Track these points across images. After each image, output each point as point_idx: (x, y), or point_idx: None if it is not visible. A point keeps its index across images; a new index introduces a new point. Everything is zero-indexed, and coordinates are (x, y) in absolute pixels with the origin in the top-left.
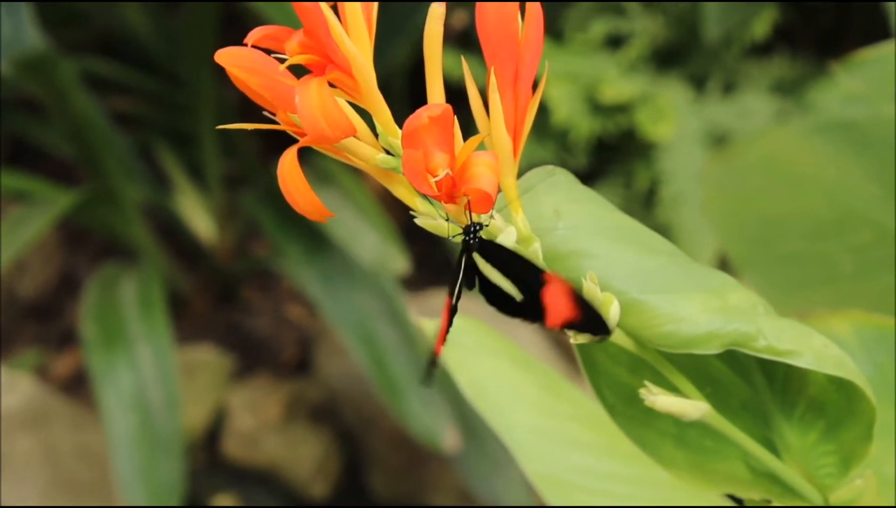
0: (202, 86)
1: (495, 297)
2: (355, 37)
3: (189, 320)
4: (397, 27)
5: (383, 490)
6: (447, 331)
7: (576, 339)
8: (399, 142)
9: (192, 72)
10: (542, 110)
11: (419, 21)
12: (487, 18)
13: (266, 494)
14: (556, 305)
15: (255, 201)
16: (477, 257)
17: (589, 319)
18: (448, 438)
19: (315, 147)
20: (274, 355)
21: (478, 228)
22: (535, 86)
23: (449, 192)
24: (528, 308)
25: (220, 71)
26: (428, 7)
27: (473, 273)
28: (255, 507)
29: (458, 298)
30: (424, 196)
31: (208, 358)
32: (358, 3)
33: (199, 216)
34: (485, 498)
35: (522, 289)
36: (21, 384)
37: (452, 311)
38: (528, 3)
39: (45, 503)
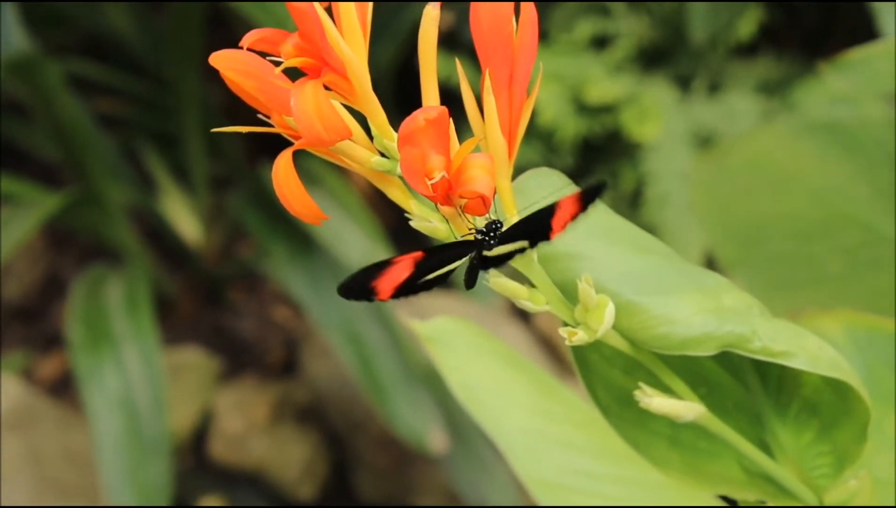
0: (187, 87)
1: (498, 261)
2: (350, 39)
3: (175, 321)
4: (382, 28)
5: (370, 492)
6: (404, 291)
7: (570, 341)
8: (394, 144)
9: (178, 73)
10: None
11: (405, 21)
12: (482, 20)
13: (253, 495)
14: (564, 216)
15: (240, 202)
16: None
17: (588, 197)
18: (435, 439)
19: (310, 150)
20: (260, 356)
21: (498, 225)
22: (528, 88)
23: (445, 194)
24: (532, 242)
25: (206, 72)
26: (412, 7)
27: (477, 273)
28: None
29: (438, 282)
30: (419, 198)
31: (195, 360)
32: (352, 5)
33: (184, 218)
34: (472, 499)
35: (531, 232)
36: (7, 387)
37: (423, 285)
38: (522, 5)
39: (31, 505)
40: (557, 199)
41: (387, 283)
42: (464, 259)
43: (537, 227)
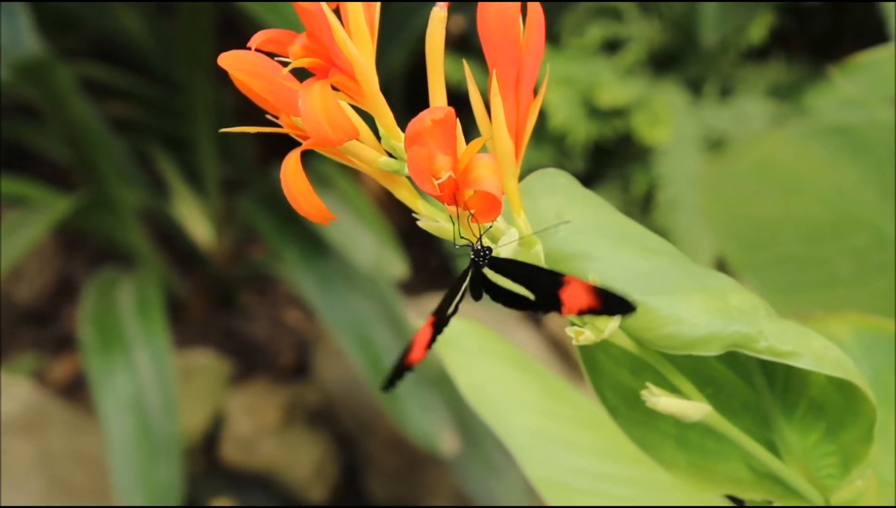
0: (199, 90)
1: (502, 297)
2: (358, 39)
3: (187, 324)
4: (394, 32)
5: (381, 494)
6: (429, 346)
7: (578, 340)
8: (402, 145)
9: (189, 76)
10: (540, 115)
11: (415, 25)
12: (489, 21)
13: (264, 497)
14: (575, 299)
15: (252, 205)
16: (487, 272)
17: (612, 305)
18: (446, 441)
19: (318, 150)
20: (272, 359)
21: (487, 252)
22: (535, 89)
23: (451, 194)
24: (541, 304)
25: (217, 75)
26: (424, 11)
27: (480, 286)
28: None
29: (455, 310)
30: (427, 198)
31: (206, 362)
32: (360, 5)
33: (196, 221)
34: (482, 501)
35: (535, 289)
36: (19, 389)
37: (444, 323)
38: (529, 6)
39: (42, 506)
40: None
41: (417, 351)
42: (469, 277)
43: (544, 285)
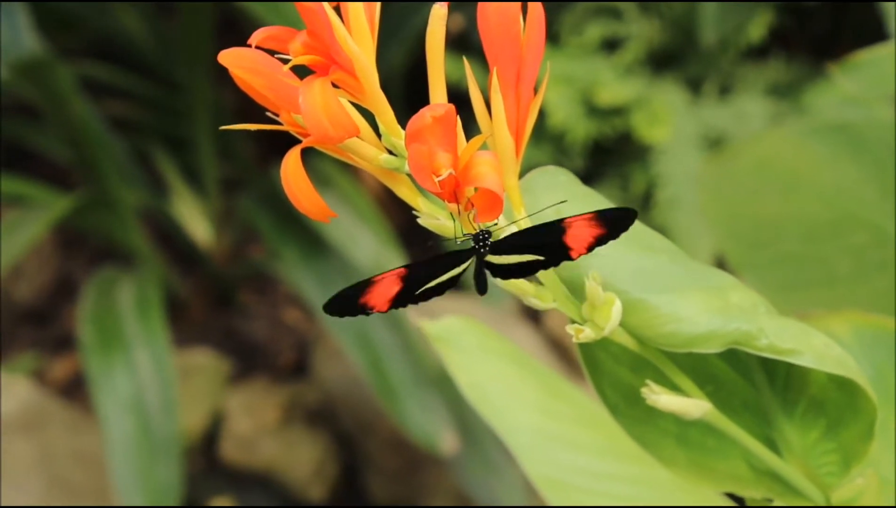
0: (198, 90)
1: (510, 272)
2: (358, 37)
3: (186, 323)
4: (393, 30)
5: (381, 493)
6: (398, 302)
7: (578, 338)
8: (402, 142)
9: (189, 76)
10: (539, 113)
11: (415, 24)
12: (489, 20)
13: (264, 497)
14: (581, 235)
15: (251, 204)
16: (490, 257)
17: (615, 220)
18: (446, 441)
19: (318, 147)
20: (271, 358)
21: (487, 236)
22: (536, 87)
23: (452, 191)
24: (551, 259)
25: (217, 75)
26: (423, 10)
27: (484, 278)
28: None
29: (437, 292)
30: (427, 196)
31: (206, 362)
32: (360, 4)
33: (195, 220)
34: (482, 501)
35: (543, 250)
36: (18, 388)
37: (417, 296)
38: (529, 4)
39: (42, 506)
40: (564, 214)
41: (377, 297)
42: (465, 264)
43: (548, 241)
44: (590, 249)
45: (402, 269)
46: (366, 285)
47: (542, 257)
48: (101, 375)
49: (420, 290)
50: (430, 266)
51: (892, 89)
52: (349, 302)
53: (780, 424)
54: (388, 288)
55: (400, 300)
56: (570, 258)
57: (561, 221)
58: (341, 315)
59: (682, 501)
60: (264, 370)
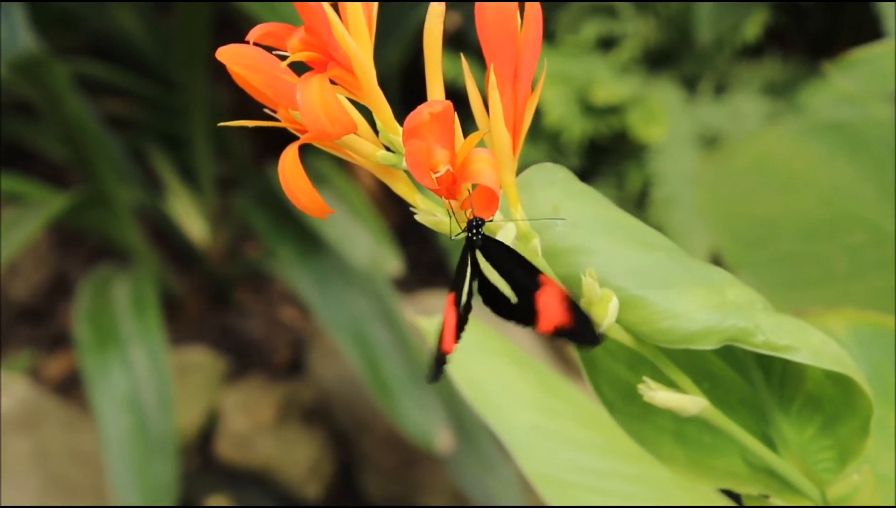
0: (195, 89)
1: (491, 297)
2: (356, 34)
3: (182, 322)
4: (391, 29)
5: (377, 491)
6: (459, 329)
7: None
8: (399, 139)
9: (185, 75)
10: (535, 112)
11: (413, 23)
12: (487, 17)
13: (260, 495)
14: (549, 309)
15: (247, 203)
16: (479, 254)
17: (580, 327)
18: (441, 439)
19: (316, 144)
20: (267, 356)
21: (480, 223)
22: (533, 84)
23: (449, 187)
24: (522, 311)
25: (213, 74)
26: (421, 8)
27: (478, 272)
28: None
29: (470, 295)
30: (424, 192)
31: (202, 360)
32: (358, 2)
33: (191, 219)
34: (478, 499)
35: (518, 291)
36: (14, 386)
37: (465, 309)
38: (527, 3)
39: (38, 504)
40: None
41: (449, 339)
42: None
43: (522, 285)
44: (553, 334)
45: (451, 294)
46: (441, 333)
47: (515, 299)
48: (98, 373)
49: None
50: (461, 278)
51: (887, 87)
52: (440, 361)
53: (776, 420)
54: (451, 322)
55: (461, 327)
56: (535, 328)
57: (538, 274)
58: (440, 376)
59: (680, 498)
60: (260, 369)
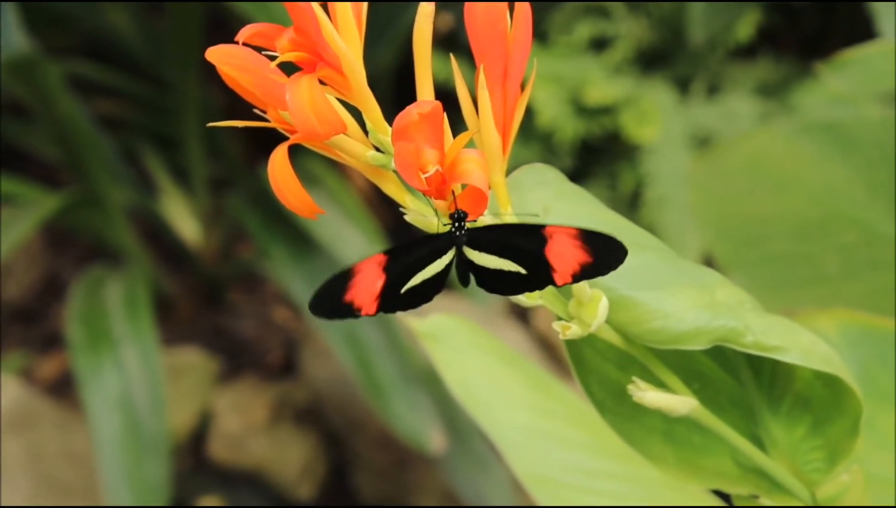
0: (187, 89)
1: (495, 283)
2: (345, 35)
3: (175, 322)
4: (381, 31)
5: (369, 492)
6: (386, 301)
7: (564, 335)
8: (389, 139)
9: (178, 75)
10: (527, 112)
11: (403, 24)
12: (476, 17)
13: (252, 496)
14: (565, 255)
15: (240, 203)
16: (468, 250)
17: (603, 250)
18: (434, 439)
19: (305, 144)
20: (260, 357)
21: (463, 215)
22: (522, 85)
23: (439, 188)
24: (534, 277)
25: (206, 74)
26: (411, 10)
27: (467, 270)
28: None
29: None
30: (414, 193)
31: (194, 360)
32: (348, 3)
33: (184, 219)
34: (470, 499)
35: (524, 258)
36: (6, 387)
37: (396, 296)
38: (516, 3)
39: (31, 504)
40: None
41: (363, 294)
42: (449, 257)
43: (528, 248)
44: (575, 278)
45: (382, 255)
46: (347, 277)
47: (524, 271)
48: (90, 374)
49: (406, 288)
50: (408, 251)
51: (879, 88)
52: (334, 300)
53: (766, 421)
54: (371, 281)
55: (387, 300)
56: (554, 283)
57: (542, 227)
58: (329, 317)
59: (671, 498)
60: (253, 369)
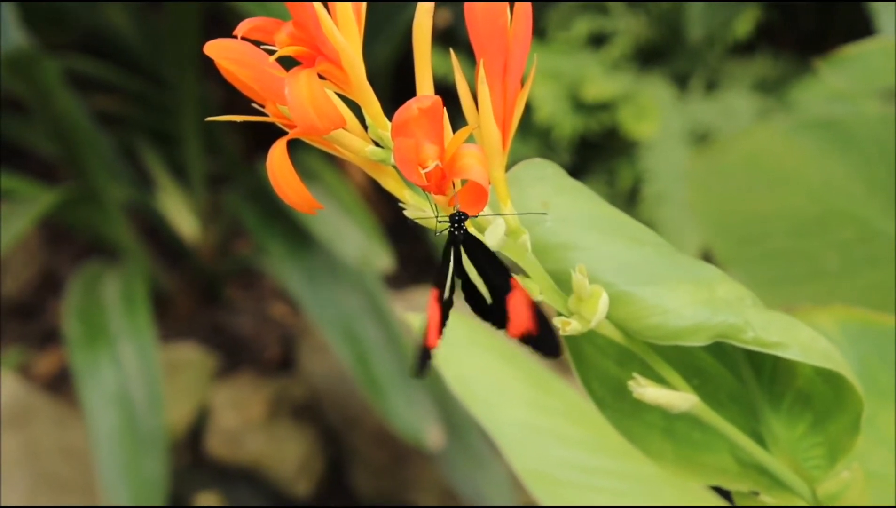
0: (185, 85)
1: (471, 295)
2: (345, 29)
3: (172, 318)
4: (380, 27)
5: (367, 488)
6: (442, 324)
7: (564, 330)
8: (388, 134)
9: (176, 72)
10: (526, 108)
11: (402, 21)
12: (476, 13)
13: (250, 492)
14: (518, 314)
15: (238, 199)
16: (462, 250)
17: (543, 336)
18: (431, 436)
19: (305, 139)
20: (257, 353)
21: (463, 217)
22: (522, 80)
23: (438, 183)
24: (496, 313)
25: (204, 70)
26: (410, 7)
27: (460, 267)
28: (239, 507)
29: (452, 290)
30: (414, 188)
31: (192, 357)
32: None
33: (182, 215)
34: (468, 496)
35: (492, 291)
36: (4, 383)
37: (447, 304)
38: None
39: (28, 501)
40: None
41: (433, 335)
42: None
43: (496, 283)
44: (521, 339)
45: (435, 289)
46: (425, 329)
47: (490, 301)
48: (87, 369)
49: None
50: (441, 275)
51: (878, 84)
52: (424, 357)
53: (766, 417)
54: (435, 316)
55: (445, 321)
56: (504, 329)
57: (509, 276)
58: (425, 371)
59: (671, 495)
60: (250, 365)
